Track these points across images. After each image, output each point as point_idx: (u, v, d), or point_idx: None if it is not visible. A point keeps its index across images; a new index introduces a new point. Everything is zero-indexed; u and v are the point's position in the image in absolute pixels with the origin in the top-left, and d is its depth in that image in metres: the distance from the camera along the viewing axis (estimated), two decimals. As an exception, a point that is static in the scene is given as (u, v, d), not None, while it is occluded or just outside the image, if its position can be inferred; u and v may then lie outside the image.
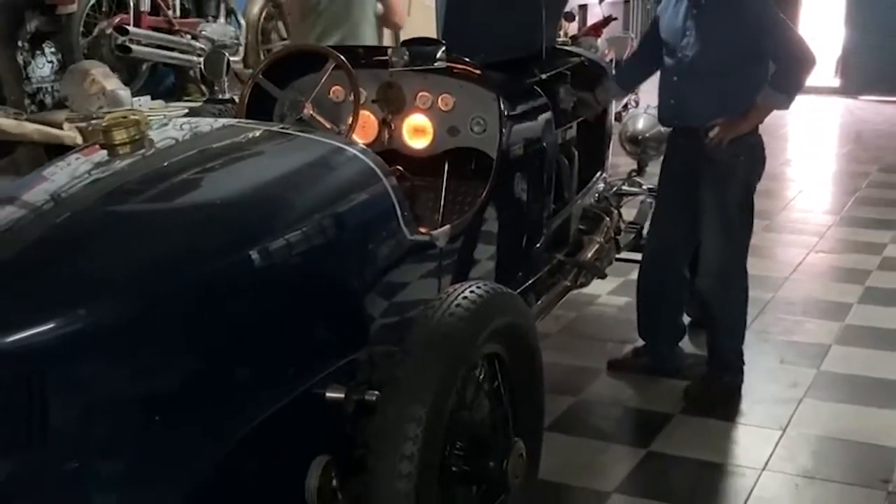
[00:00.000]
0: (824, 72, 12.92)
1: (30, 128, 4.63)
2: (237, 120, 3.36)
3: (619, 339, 4.61)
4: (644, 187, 4.90)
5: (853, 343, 4.65)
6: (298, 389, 2.39)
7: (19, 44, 5.38)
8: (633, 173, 5.05)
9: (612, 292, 5.24)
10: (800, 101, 3.97)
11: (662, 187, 4.15)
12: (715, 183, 3.84)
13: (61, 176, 2.63)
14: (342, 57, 3.46)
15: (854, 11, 13.86)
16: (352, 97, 3.52)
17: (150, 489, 2.06)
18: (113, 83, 5.16)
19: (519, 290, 3.37)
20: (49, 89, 5.43)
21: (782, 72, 3.76)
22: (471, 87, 3.61)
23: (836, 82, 13.97)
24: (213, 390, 2.25)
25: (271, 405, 2.29)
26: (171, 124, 2.96)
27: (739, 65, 3.81)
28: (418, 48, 3.64)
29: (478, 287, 2.49)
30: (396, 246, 2.78)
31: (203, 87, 6.02)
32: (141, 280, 2.18)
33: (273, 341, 2.40)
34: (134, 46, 5.42)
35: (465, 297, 2.42)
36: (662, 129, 4.96)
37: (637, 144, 5.03)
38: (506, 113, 3.47)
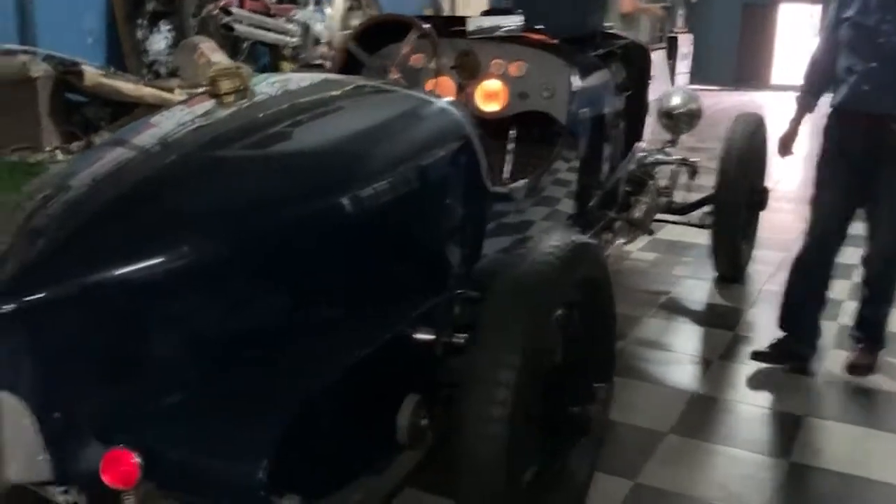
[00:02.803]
0: None
1: (146, 91, 4.20)
2: (332, 75, 2.88)
3: (654, 290, 4.17)
4: (675, 157, 4.44)
5: None
6: (391, 330, 2.01)
7: (138, 21, 4.96)
8: (667, 144, 4.51)
9: (641, 249, 4.79)
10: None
11: (828, 176, 3.16)
12: None
13: (170, 121, 2.28)
14: (426, 26, 2.97)
15: None
16: (431, 64, 3.04)
17: (248, 424, 1.68)
18: (219, 56, 4.72)
19: None
20: (163, 61, 4.99)
21: None
22: (543, 55, 3.13)
23: None
24: (309, 327, 1.90)
25: (366, 344, 1.91)
26: (271, 78, 2.48)
27: None
28: (494, 18, 3.13)
29: (564, 236, 2.00)
30: (478, 196, 2.41)
31: (293, 66, 5.51)
32: (239, 220, 1.82)
33: (365, 282, 2.05)
34: (236, 26, 4.95)
35: (553, 246, 1.94)
36: (694, 106, 4.54)
37: (672, 118, 4.52)
38: (577, 82, 2.98)
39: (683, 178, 4.44)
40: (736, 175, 3.98)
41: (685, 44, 10.90)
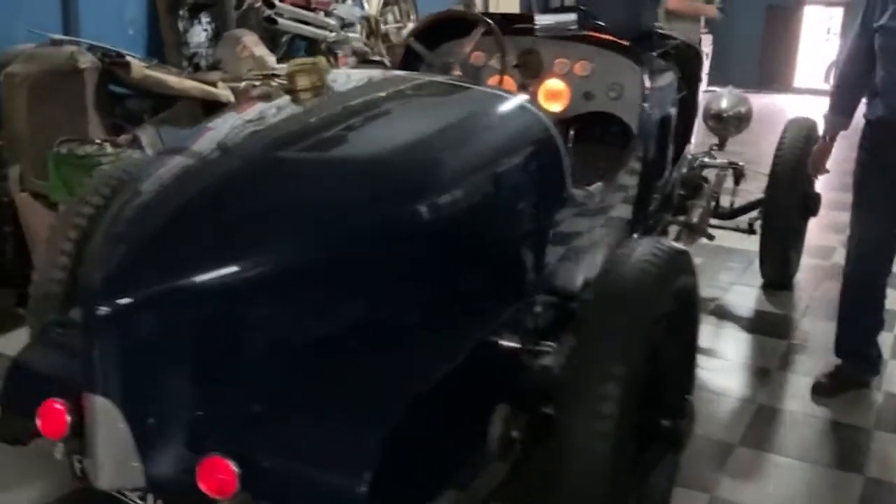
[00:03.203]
0: None
1: (189, 84, 4.12)
2: (410, 72, 2.81)
3: (703, 296, 3.99)
4: (721, 161, 4.34)
5: None
6: (478, 336, 1.95)
7: (180, 13, 4.89)
8: (714, 147, 4.44)
9: (685, 251, 4.64)
10: None
11: (869, 192, 2.99)
12: None
13: (246, 120, 2.14)
14: (491, 22, 2.90)
15: None
16: (492, 62, 2.98)
17: (347, 433, 1.63)
18: (261, 50, 4.67)
19: None
20: (204, 53, 4.95)
21: None
22: (611, 55, 3.03)
23: None
24: (400, 334, 1.84)
25: (456, 351, 1.84)
26: (345, 74, 2.40)
27: None
28: (558, 17, 3.06)
29: (659, 244, 1.95)
30: (560, 198, 2.34)
31: (331, 59, 5.44)
32: (327, 223, 1.76)
33: (453, 285, 1.98)
34: (280, 19, 4.85)
35: (651, 254, 1.87)
36: (744, 109, 4.46)
37: (720, 121, 4.43)
38: (647, 83, 2.90)
39: (728, 182, 4.37)
40: (788, 180, 3.90)
41: (705, 44, 10.84)
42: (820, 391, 3.11)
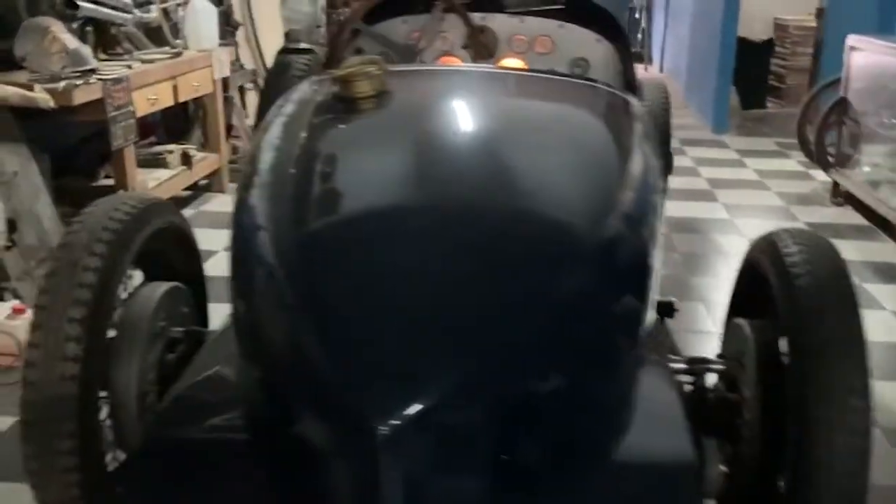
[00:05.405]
0: None
1: (9, 91, 3.30)
2: (487, 66, 2.46)
3: None
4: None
5: None
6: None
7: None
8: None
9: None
10: None
11: None
12: None
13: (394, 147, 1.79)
14: None
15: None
16: (429, 44, 2.72)
17: None
18: (72, 41, 3.80)
19: None
20: (-22, 49, 3.93)
21: None
22: (571, 28, 2.82)
23: None
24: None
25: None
26: (409, 76, 2.03)
27: None
28: None
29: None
30: (663, 194, 2.07)
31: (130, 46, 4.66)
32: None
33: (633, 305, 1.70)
34: (81, 2, 4.03)
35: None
36: None
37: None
38: (625, 55, 2.74)
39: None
40: None
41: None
42: None
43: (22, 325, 3.06)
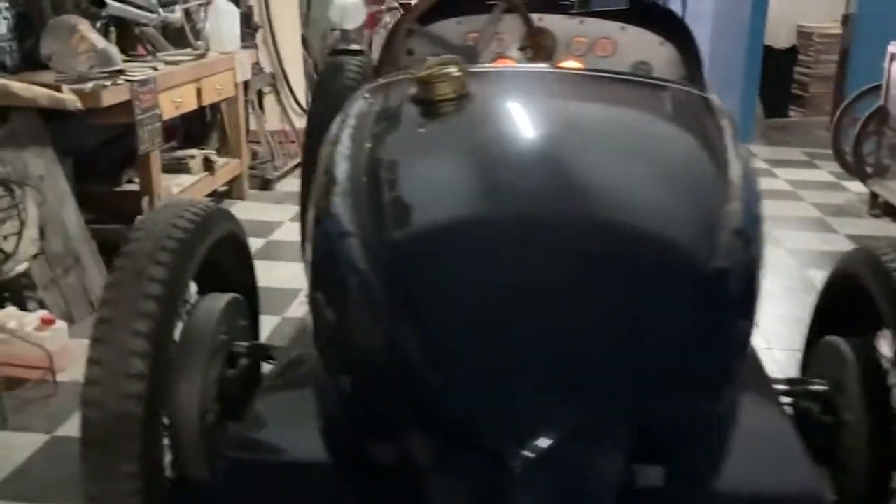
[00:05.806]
0: None
1: (39, 92, 3.17)
2: (570, 68, 2.33)
3: None
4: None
5: None
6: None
7: (-34, -2, 3.72)
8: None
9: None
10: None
11: None
12: None
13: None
14: None
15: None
16: (486, 45, 2.60)
17: None
18: (101, 40, 3.68)
19: None
20: (8, 49, 3.80)
21: None
22: (633, 30, 2.69)
23: None
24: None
25: None
26: (488, 77, 1.91)
27: None
28: None
29: None
30: None
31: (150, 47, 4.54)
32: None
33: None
34: (109, 1, 3.90)
35: None
36: None
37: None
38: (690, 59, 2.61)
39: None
40: None
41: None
42: None
43: (51, 337, 2.92)
